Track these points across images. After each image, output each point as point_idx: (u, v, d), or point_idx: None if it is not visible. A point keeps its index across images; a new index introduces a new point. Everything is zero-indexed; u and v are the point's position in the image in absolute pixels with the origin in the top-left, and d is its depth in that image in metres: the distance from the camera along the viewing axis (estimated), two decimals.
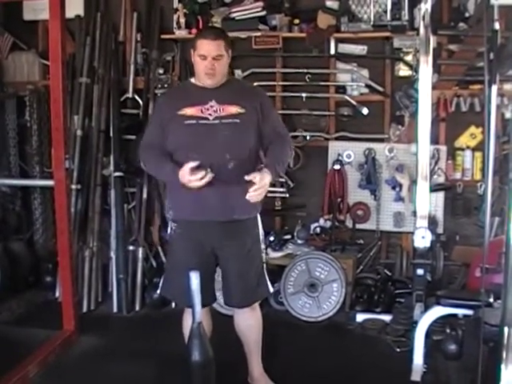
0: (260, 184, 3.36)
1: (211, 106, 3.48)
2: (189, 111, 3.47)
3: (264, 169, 3.44)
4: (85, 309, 5.34)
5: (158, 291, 3.86)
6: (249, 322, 3.79)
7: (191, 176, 3.33)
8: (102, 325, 5.06)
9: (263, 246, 3.75)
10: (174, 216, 3.63)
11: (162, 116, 3.59)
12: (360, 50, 5.61)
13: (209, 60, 3.43)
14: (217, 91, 3.52)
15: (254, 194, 3.37)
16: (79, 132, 5.62)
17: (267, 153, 3.60)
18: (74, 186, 5.47)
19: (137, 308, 5.37)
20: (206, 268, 3.53)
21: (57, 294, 5.46)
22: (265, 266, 3.75)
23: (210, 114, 3.46)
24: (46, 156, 5.88)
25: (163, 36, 5.77)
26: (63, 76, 4.48)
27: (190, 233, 3.57)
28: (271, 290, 3.81)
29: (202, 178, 3.34)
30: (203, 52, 3.44)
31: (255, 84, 5.49)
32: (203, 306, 3.45)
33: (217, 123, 3.46)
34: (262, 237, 3.73)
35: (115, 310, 5.33)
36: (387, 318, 4.91)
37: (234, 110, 3.49)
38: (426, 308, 4.38)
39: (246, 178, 3.34)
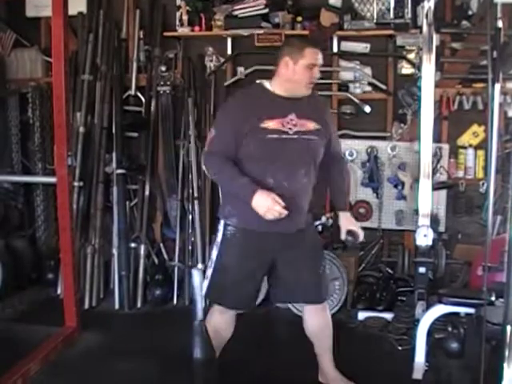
0: (356, 227, 3.72)
1: (291, 120, 3.41)
2: (271, 124, 3.37)
3: (345, 213, 3.74)
4: (87, 305, 5.35)
5: (203, 293, 3.53)
6: (321, 324, 3.83)
7: (274, 205, 3.28)
8: (103, 322, 5.07)
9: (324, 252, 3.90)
10: (237, 224, 3.52)
11: (238, 125, 3.40)
12: (363, 47, 5.61)
13: (316, 69, 3.43)
14: (297, 104, 3.46)
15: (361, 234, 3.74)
16: (82, 129, 5.62)
17: (334, 190, 3.78)
18: (76, 183, 5.47)
19: (138, 305, 5.37)
20: (260, 274, 3.59)
21: (59, 291, 5.47)
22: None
23: (290, 128, 3.40)
24: (48, 153, 5.88)
25: (166, 33, 5.77)
26: (66, 73, 4.47)
27: (252, 240, 3.51)
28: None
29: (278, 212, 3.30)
30: (314, 61, 3.42)
31: (259, 81, 5.57)
32: (243, 309, 3.65)
33: (296, 138, 3.42)
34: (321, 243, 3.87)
35: (117, 306, 5.34)
36: (389, 316, 4.92)
37: (311, 125, 3.46)
38: (428, 306, 4.38)
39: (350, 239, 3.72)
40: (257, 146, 3.40)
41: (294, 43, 3.54)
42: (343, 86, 5.69)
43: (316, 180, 3.61)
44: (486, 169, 5.37)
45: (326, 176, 3.72)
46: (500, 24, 3.92)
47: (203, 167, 3.57)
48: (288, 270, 3.59)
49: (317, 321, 3.82)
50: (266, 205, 3.28)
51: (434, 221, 4.99)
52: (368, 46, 5.59)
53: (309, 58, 3.41)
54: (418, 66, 5.19)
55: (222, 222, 3.58)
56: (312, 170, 3.54)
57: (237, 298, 3.58)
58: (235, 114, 3.47)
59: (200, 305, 3.18)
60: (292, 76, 3.43)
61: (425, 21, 4.51)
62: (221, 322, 3.64)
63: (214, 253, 3.61)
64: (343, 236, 3.69)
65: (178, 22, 5.73)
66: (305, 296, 3.71)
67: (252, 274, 3.54)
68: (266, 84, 3.54)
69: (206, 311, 3.32)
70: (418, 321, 4.29)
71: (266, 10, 5.60)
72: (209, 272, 3.62)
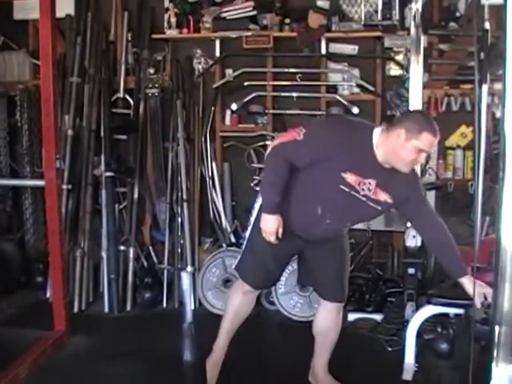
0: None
1: (369, 184, 3.37)
2: (350, 178, 3.34)
3: (467, 278, 3.51)
4: (76, 309, 5.34)
5: (233, 267, 3.93)
6: (331, 324, 3.83)
7: (271, 234, 3.47)
8: (93, 325, 5.05)
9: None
10: None
11: (324, 156, 3.34)
12: (351, 49, 5.62)
13: (423, 155, 3.31)
14: (381, 171, 3.37)
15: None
16: (70, 132, 5.61)
17: (449, 253, 3.64)
18: (64, 186, 5.46)
19: (128, 308, 5.36)
20: (287, 257, 3.77)
21: (48, 295, 5.44)
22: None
23: (362, 189, 3.37)
24: (36, 156, 5.86)
25: (154, 36, 5.77)
26: (54, 76, 4.47)
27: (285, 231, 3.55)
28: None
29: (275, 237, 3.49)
30: (426, 148, 3.29)
31: (247, 83, 5.58)
32: (263, 288, 3.93)
33: (362, 200, 3.39)
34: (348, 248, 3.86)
35: (106, 310, 5.33)
36: (378, 317, 4.93)
37: (383, 198, 3.41)
38: (418, 307, 4.40)
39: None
40: (326, 185, 3.40)
41: (417, 121, 3.33)
42: (331, 88, 5.70)
43: None
44: (474, 170, 5.38)
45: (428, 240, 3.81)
46: (487, 25, 3.94)
47: (266, 154, 3.63)
48: (314, 258, 3.72)
49: (326, 320, 3.84)
50: (268, 228, 3.46)
51: None
52: (356, 47, 5.60)
53: (423, 144, 3.26)
54: (405, 68, 5.19)
55: (258, 201, 3.65)
56: (354, 225, 3.79)
57: (260, 278, 3.76)
58: (330, 146, 3.35)
59: (189, 307, 3.18)
60: (399, 149, 3.27)
61: (412, 22, 4.53)
62: (242, 303, 3.81)
63: (248, 232, 3.77)
64: (478, 305, 3.19)
65: (166, 25, 5.74)
66: (324, 289, 3.78)
67: (278, 255, 3.65)
68: (374, 139, 3.36)
69: (195, 314, 3.32)
70: (407, 322, 4.30)
71: (254, 12, 5.60)
72: (242, 249, 3.85)
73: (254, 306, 3.87)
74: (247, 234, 3.78)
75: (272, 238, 3.47)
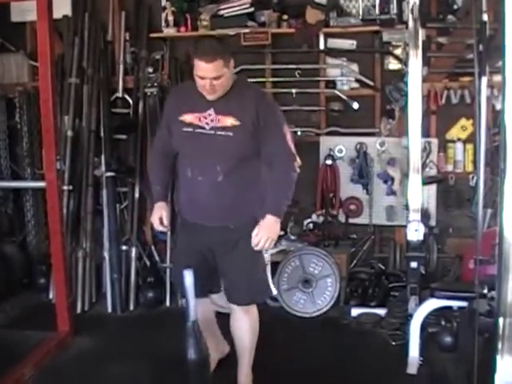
0: (263, 235, 3.43)
1: (209, 115, 3.41)
2: (188, 118, 3.44)
3: (267, 217, 3.44)
4: (79, 309, 5.33)
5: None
6: (243, 326, 3.72)
7: (157, 221, 3.66)
8: (96, 325, 5.05)
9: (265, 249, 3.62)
10: (178, 209, 3.73)
11: (168, 116, 3.62)
12: (349, 44, 5.61)
13: (207, 81, 3.30)
14: (219, 99, 3.42)
15: (260, 244, 3.45)
16: (70, 133, 5.60)
17: (268, 189, 3.51)
18: (65, 187, 5.45)
19: (131, 308, 5.36)
20: (202, 262, 3.61)
21: (50, 296, 5.44)
22: (268, 268, 3.68)
23: (207, 123, 3.41)
24: (37, 157, 5.85)
25: (152, 35, 5.75)
26: (52, 77, 4.47)
27: (190, 230, 3.65)
28: (274, 292, 3.78)
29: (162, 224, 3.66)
30: (200, 73, 3.30)
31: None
32: (204, 295, 3.65)
33: (212, 134, 3.41)
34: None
35: (109, 310, 5.33)
36: (382, 311, 4.92)
37: (228, 121, 3.39)
38: (421, 301, 4.39)
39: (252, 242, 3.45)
40: (176, 138, 3.54)
41: (195, 49, 3.39)
42: (330, 83, 5.69)
43: (256, 177, 3.55)
44: (475, 162, 5.38)
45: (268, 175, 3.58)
46: (485, 18, 3.93)
47: None
48: (221, 264, 3.64)
49: (238, 323, 3.74)
50: (152, 216, 3.70)
51: (425, 215, 5.01)
52: (354, 42, 5.59)
53: (197, 70, 3.32)
54: (404, 62, 5.20)
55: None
56: (234, 168, 3.44)
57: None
58: (167, 107, 3.72)
59: (192, 305, 3.18)
60: (195, 78, 3.39)
61: (410, 16, 4.52)
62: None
63: None
64: (252, 238, 3.45)
65: (163, 23, 5.73)
66: (229, 293, 3.69)
67: (196, 259, 3.58)
68: None
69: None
70: (411, 316, 4.30)
71: (252, 9, 5.59)
72: None
73: (204, 308, 3.74)
74: None
75: (160, 228, 3.68)
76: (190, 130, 3.44)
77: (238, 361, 3.80)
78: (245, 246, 3.53)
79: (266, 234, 3.43)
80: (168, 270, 5.47)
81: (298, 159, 3.70)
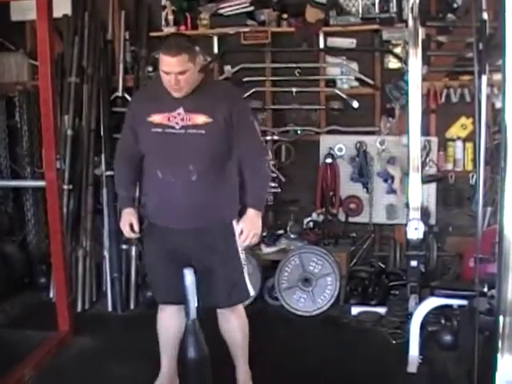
0: (248, 230, 3.42)
1: (178, 114, 3.34)
2: (157, 118, 3.36)
3: (249, 211, 3.44)
4: (79, 308, 5.33)
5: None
6: (231, 326, 3.68)
7: (127, 228, 3.52)
8: (97, 324, 5.05)
9: (240, 248, 3.55)
10: (146, 214, 3.58)
11: (133, 118, 3.51)
12: (349, 43, 5.61)
13: (172, 76, 3.24)
14: (186, 98, 3.36)
15: (247, 240, 3.44)
16: (70, 132, 5.60)
17: (246, 186, 3.50)
18: (65, 186, 5.45)
19: (131, 306, 5.36)
20: (176, 267, 3.41)
21: (51, 295, 5.43)
22: (245, 269, 3.60)
23: (176, 123, 3.34)
24: (36, 157, 5.86)
25: (152, 34, 5.76)
26: (52, 76, 4.47)
27: (160, 234, 3.52)
28: (252, 293, 3.69)
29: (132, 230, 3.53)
30: (165, 69, 3.25)
31: (246, 79, 5.58)
32: (176, 303, 3.52)
33: (182, 133, 3.34)
34: (238, 241, 3.53)
35: (110, 309, 5.33)
36: (382, 310, 4.93)
37: (200, 119, 3.33)
38: (421, 299, 4.39)
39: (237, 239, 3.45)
40: (144, 140, 3.45)
41: (161, 47, 3.36)
42: (330, 82, 5.70)
43: (228, 175, 3.50)
44: (475, 161, 5.38)
45: (243, 172, 3.54)
46: (485, 16, 3.93)
47: None
48: (199, 268, 3.42)
49: (226, 325, 3.68)
50: (121, 223, 3.56)
51: (425, 214, 5.01)
52: (354, 41, 5.60)
53: (162, 65, 3.28)
54: (404, 60, 5.20)
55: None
56: (207, 166, 3.39)
57: (160, 291, 3.64)
58: (132, 108, 3.62)
59: (192, 304, 3.18)
60: (162, 79, 3.34)
61: (410, 15, 4.52)
62: (160, 319, 3.72)
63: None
64: (237, 235, 3.47)
65: (163, 22, 5.74)
66: (209, 299, 3.53)
67: (168, 265, 3.49)
68: None
69: (199, 311, 3.32)
70: (411, 314, 4.30)
71: (252, 8, 5.60)
72: None
73: (179, 321, 3.58)
74: None
75: (131, 235, 3.55)
76: (159, 130, 3.36)
77: (234, 361, 3.75)
78: (221, 249, 3.50)
79: (250, 229, 3.42)
80: None
81: (269, 154, 3.69)
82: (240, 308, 3.70)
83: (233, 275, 3.55)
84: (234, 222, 3.52)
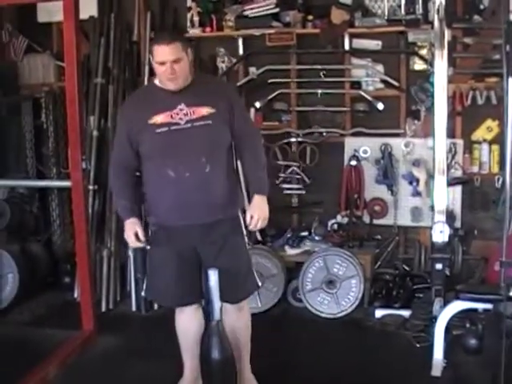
0: (258, 216, 3.46)
1: (181, 110, 3.38)
2: (159, 119, 3.38)
3: (255, 197, 3.50)
4: (103, 308, 5.37)
5: (143, 293, 3.86)
6: (236, 324, 3.67)
7: (133, 237, 3.52)
8: (120, 324, 5.08)
9: (246, 240, 3.64)
10: (153, 221, 3.58)
11: (129, 127, 3.49)
12: (374, 45, 5.59)
13: (167, 65, 3.31)
14: (184, 93, 3.41)
15: (256, 224, 3.49)
16: (95, 132, 5.63)
17: (247, 172, 3.60)
18: (91, 187, 5.48)
19: (155, 307, 5.36)
20: (189, 268, 3.51)
21: (75, 295, 5.47)
22: (252, 261, 3.67)
23: (180, 119, 3.38)
24: (62, 157, 5.91)
25: None
26: (78, 77, 4.50)
27: (170, 236, 3.52)
28: (259, 283, 3.72)
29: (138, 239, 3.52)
30: (159, 58, 3.32)
31: (271, 81, 5.58)
32: (192, 303, 3.54)
33: (189, 127, 3.38)
34: (244, 232, 3.61)
35: (134, 309, 5.34)
36: (406, 313, 4.90)
37: (204, 111, 3.39)
38: (446, 303, 4.36)
39: (248, 225, 3.48)
40: (149, 143, 3.43)
41: (152, 40, 3.53)
42: (355, 84, 5.67)
43: (233, 164, 3.59)
44: (500, 163, 5.34)
45: (242, 160, 3.64)
46: None
47: None
48: (209, 265, 3.52)
49: (231, 320, 3.65)
50: (126, 233, 3.55)
51: (450, 217, 4.97)
52: (379, 42, 5.58)
53: (156, 56, 3.35)
54: (430, 62, 5.17)
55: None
56: (217, 156, 3.45)
57: (171, 294, 3.60)
58: (126, 116, 3.59)
59: (217, 305, 3.19)
60: (156, 71, 3.43)
61: (436, 16, 4.50)
62: (180, 320, 3.70)
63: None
64: (248, 221, 3.51)
65: (188, 24, 5.75)
66: (227, 296, 3.55)
67: (179, 268, 3.49)
68: (156, 81, 3.54)
69: (222, 311, 3.33)
70: (435, 317, 4.28)
71: (277, 10, 5.60)
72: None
73: (199, 321, 3.65)
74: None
75: (137, 244, 3.54)
76: (164, 129, 3.38)
77: (237, 359, 3.65)
78: (232, 243, 3.54)
79: (259, 214, 3.47)
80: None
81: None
82: (245, 305, 3.72)
83: (242, 270, 3.58)
84: (240, 214, 3.59)
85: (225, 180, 3.48)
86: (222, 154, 3.47)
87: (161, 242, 3.55)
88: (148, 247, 3.59)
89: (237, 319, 3.67)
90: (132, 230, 3.51)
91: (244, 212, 3.60)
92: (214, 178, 3.42)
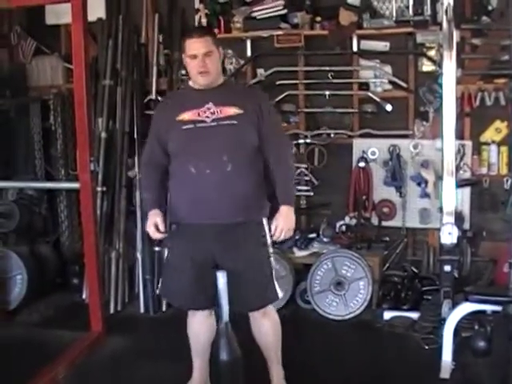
0: (284, 226, 3.44)
1: (208, 109, 3.42)
2: (186, 116, 3.43)
3: (282, 207, 3.46)
4: (112, 310, 5.37)
5: (158, 291, 3.90)
6: (263, 329, 3.67)
7: (153, 228, 3.52)
8: (129, 326, 5.09)
9: (271, 251, 3.58)
10: (173, 219, 3.59)
11: (158, 127, 3.59)
12: (382, 46, 5.58)
13: (199, 58, 3.39)
14: (214, 92, 3.47)
15: (281, 235, 3.45)
16: (103, 134, 5.65)
17: (275, 180, 3.53)
18: (99, 188, 5.49)
19: (163, 308, 5.37)
20: (204, 271, 3.45)
21: (84, 296, 5.48)
22: (274, 271, 3.57)
23: (207, 117, 3.41)
24: (70, 159, 5.93)
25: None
26: (87, 79, 4.51)
27: (188, 236, 3.52)
28: (280, 295, 3.63)
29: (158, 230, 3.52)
30: (192, 51, 3.40)
31: (279, 82, 5.58)
32: (205, 308, 3.53)
33: (215, 125, 3.41)
34: (269, 241, 3.56)
35: (142, 310, 5.35)
36: (415, 315, 4.89)
37: (231, 111, 3.43)
38: (454, 305, 4.35)
39: (272, 234, 3.47)
40: (176, 140, 3.48)
41: (184, 36, 3.57)
42: (364, 85, 5.67)
43: (260, 169, 3.55)
44: (509, 165, 5.33)
45: (269, 166, 3.59)
46: None
47: None
48: (227, 270, 3.42)
49: (257, 326, 3.67)
50: (148, 224, 3.55)
51: (459, 218, 4.96)
52: (388, 44, 5.56)
53: (188, 49, 3.42)
54: (438, 63, 5.16)
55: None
56: (241, 157, 3.44)
57: (186, 297, 3.56)
58: (156, 116, 3.71)
59: (225, 307, 3.19)
60: (187, 67, 3.51)
61: (444, 17, 4.49)
62: (191, 324, 3.71)
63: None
64: (272, 231, 3.47)
65: (196, 25, 5.74)
66: (241, 302, 3.48)
67: (194, 270, 3.46)
68: (190, 82, 3.62)
69: (231, 313, 3.32)
70: (444, 319, 4.26)
71: (285, 11, 5.59)
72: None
73: (209, 326, 3.62)
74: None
75: (156, 235, 3.54)
76: (190, 126, 3.42)
77: (267, 362, 3.75)
78: (251, 249, 3.50)
79: (286, 224, 3.44)
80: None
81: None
82: (271, 310, 3.70)
83: (262, 279, 3.53)
84: (265, 222, 3.55)
85: (248, 182, 3.46)
86: (246, 156, 3.46)
87: (179, 244, 3.57)
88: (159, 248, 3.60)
89: (262, 325, 3.66)
90: (152, 220, 3.52)
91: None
92: (235, 177, 3.41)
